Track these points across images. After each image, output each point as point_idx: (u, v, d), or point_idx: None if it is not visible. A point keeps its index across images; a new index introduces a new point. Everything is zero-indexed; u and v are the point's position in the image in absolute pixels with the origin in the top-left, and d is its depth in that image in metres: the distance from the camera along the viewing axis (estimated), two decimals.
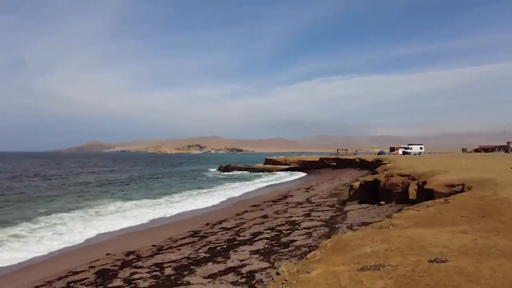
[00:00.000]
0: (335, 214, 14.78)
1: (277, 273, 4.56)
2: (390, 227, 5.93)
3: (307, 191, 28.71)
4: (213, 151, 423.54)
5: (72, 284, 9.50)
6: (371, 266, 3.37)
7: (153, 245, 13.70)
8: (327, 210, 16.53)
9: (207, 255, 10.67)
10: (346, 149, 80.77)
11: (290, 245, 10.27)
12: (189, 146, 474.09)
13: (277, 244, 10.63)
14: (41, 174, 60.71)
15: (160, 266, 10.07)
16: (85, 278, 9.88)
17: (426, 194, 10.22)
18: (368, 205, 15.00)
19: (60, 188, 38.29)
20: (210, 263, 9.63)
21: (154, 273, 9.48)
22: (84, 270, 10.84)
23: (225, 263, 9.41)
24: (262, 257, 9.39)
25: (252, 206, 22.52)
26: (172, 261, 10.46)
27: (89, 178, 53.07)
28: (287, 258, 8.84)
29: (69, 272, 10.88)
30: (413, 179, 13.53)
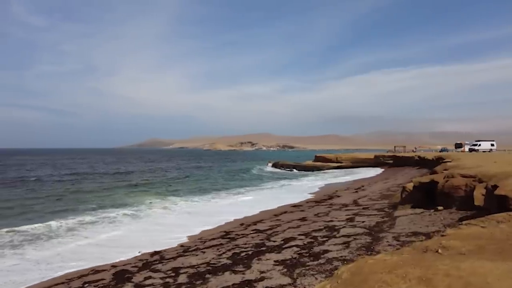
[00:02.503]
0: (382, 220, 12.83)
1: None
2: (439, 250, 4.28)
3: (356, 191, 26.46)
4: (264, 148, 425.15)
5: (87, 284, 9.11)
6: None
7: (181, 245, 13.09)
8: (374, 214, 14.57)
9: (228, 261, 9.65)
10: (404, 146, 74.64)
11: (322, 256, 8.79)
12: (241, 143, 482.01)
13: (307, 254, 9.22)
14: (107, 171, 65.42)
15: (176, 271, 9.28)
16: (101, 279, 9.45)
17: (497, 202, 8.04)
18: (422, 210, 12.79)
19: (120, 184, 40.42)
20: (228, 272, 8.57)
21: (167, 279, 8.69)
22: (105, 270, 10.49)
23: (244, 274, 8.28)
24: (285, 270, 8.08)
25: (293, 206, 21.13)
26: (191, 266, 9.61)
27: (156, 173, 55.71)
28: (312, 274, 7.43)
29: (91, 270, 10.62)
30: (480, 181, 11.11)
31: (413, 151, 66.75)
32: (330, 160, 66.23)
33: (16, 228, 16.13)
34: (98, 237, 15.00)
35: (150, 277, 9.09)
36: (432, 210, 12.21)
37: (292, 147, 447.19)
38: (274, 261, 9.03)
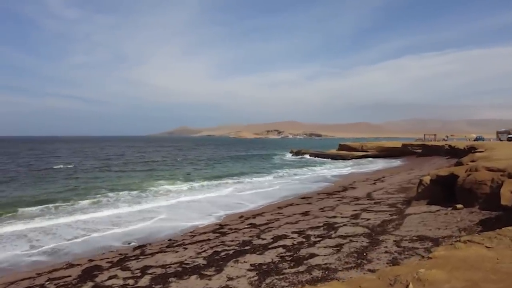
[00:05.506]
0: (390, 218, 11.22)
1: None
2: (411, 285, 2.88)
3: (374, 183, 24.57)
4: (290, 136, 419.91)
5: (48, 282, 8.41)
6: None
7: (169, 240, 12.22)
8: (383, 210, 12.94)
9: (203, 262, 8.58)
10: (435, 134, 70.00)
11: (304, 262, 7.49)
12: (267, 131, 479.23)
13: (290, 258, 7.95)
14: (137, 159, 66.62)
15: (143, 271, 8.35)
16: (67, 276, 8.73)
17: None
18: (439, 207, 11.04)
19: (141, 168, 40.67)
20: (195, 276, 7.50)
21: (128, 281, 7.78)
22: (80, 264, 9.81)
23: (210, 279, 7.17)
24: (256, 278, 6.87)
25: (302, 198, 19.76)
26: (162, 266, 8.66)
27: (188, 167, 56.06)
28: (282, 287, 6.17)
29: (66, 264, 10.00)
30: (510, 176, 9.23)
31: (444, 139, 62.57)
32: (354, 149, 63.50)
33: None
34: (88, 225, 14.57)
35: (115, 276, 8.23)
36: (449, 209, 10.46)
37: (319, 135, 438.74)
38: (251, 264, 7.85)
